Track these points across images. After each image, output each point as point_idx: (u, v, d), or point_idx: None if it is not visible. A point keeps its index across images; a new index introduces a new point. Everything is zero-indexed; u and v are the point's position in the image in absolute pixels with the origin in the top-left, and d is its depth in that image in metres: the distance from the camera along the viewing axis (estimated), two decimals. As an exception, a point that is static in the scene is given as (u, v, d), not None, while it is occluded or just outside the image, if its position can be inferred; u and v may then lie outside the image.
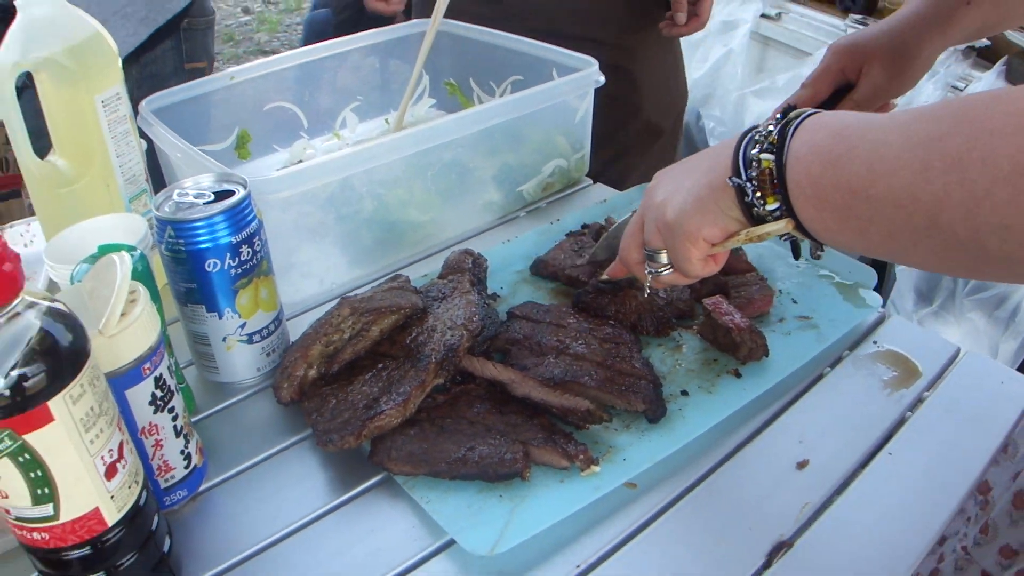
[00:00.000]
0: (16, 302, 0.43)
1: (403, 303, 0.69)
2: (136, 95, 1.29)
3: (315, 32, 4.11)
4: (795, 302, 0.76)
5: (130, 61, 1.45)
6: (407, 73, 1.09)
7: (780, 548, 0.53)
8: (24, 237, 1.00)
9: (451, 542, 0.55)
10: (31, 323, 0.43)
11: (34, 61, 0.72)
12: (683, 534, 0.55)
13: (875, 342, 0.72)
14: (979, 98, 0.41)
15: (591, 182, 1.04)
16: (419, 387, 0.62)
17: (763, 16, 2.33)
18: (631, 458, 0.59)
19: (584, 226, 0.88)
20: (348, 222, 0.84)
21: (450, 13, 1.05)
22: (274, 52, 5.64)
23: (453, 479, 0.58)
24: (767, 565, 0.52)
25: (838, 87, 0.79)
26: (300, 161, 1.08)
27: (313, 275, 0.83)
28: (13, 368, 0.42)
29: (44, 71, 0.72)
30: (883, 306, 0.75)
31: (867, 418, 0.64)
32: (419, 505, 0.57)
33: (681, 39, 1.37)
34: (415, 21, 1.17)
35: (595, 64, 0.95)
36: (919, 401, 0.65)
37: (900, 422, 0.63)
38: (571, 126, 0.97)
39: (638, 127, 1.35)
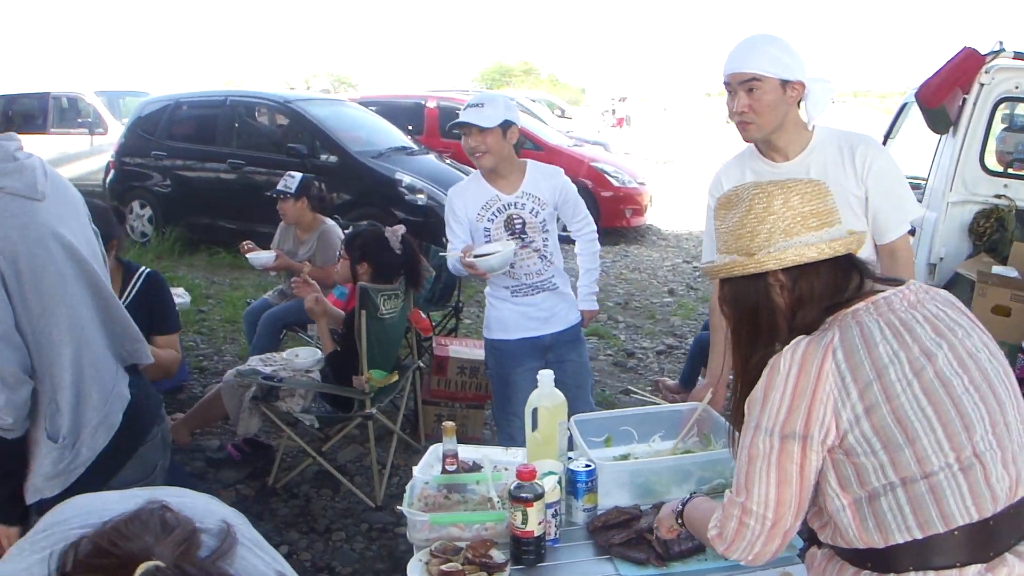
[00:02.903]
0: (534, 481, 2.24)
1: (633, 512, 2.42)
2: None
3: (700, 349, 6.01)
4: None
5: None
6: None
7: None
8: (510, 454, 2.87)
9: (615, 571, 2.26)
10: (536, 487, 2.24)
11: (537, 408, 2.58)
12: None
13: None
14: (705, 512, 2.01)
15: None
16: (634, 540, 2.34)
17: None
18: (674, 570, 2.27)
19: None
20: (633, 483, 2.60)
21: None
22: (682, 336, 7.64)
23: (624, 560, 2.29)
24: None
25: None
26: (628, 455, 2.86)
27: (611, 498, 2.58)
28: (530, 496, 2.23)
29: (540, 409, 2.58)
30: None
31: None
32: (615, 566, 2.29)
33: None
34: (696, 405, 2.92)
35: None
36: (780, 584, 2.25)
37: (771, 587, 2.24)
38: (730, 468, 2.66)
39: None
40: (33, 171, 2.31)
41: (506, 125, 3.75)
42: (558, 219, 4.08)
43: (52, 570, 1.08)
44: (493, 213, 3.86)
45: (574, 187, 4.10)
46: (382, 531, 4.40)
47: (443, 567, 2.20)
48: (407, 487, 2.54)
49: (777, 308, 1.86)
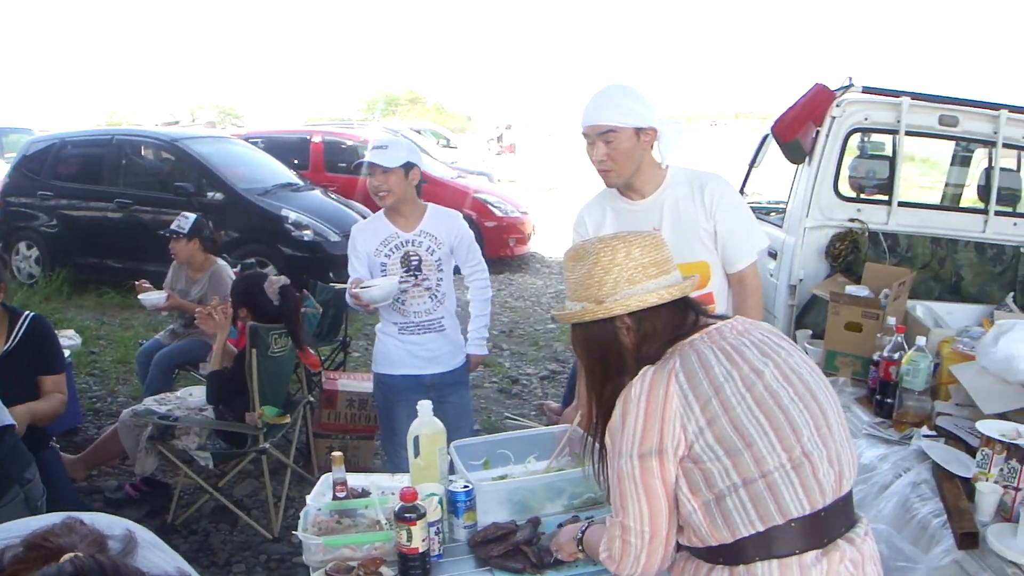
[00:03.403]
0: (416, 502, 2.46)
1: (509, 527, 2.65)
2: None
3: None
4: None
5: None
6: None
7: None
8: (396, 479, 3.07)
9: (496, 583, 2.49)
10: (419, 507, 2.45)
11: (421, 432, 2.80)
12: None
13: None
14: (600, 537, 2.23)
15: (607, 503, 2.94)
16: (511, 552, 2.57)
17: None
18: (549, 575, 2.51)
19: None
20: (513, 500, 2.82)
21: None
22: (564, 361, 7.91)
23: (503, 570, 2.51)
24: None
25: None
26: (505, 476, 3.08)
27: (490, 515, 2.80)
28: (413, 515, 2.44)
29: (420, 437, 2.80)
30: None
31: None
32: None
33: None
34: (566, 427, 3.16)
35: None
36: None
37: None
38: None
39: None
40: None
41: (408, 166, 4.00)
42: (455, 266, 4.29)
43: None
44: (391, 249, 4.06)
45: (471, 233, 4.31)
46: (280, 561, 4.56)
47: (337, 584, 2.40)
48: (301, 514, 2.72)
49: (624, 347, 2.11)
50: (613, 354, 2.11)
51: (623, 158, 3.11)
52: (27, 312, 4.03)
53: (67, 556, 1.22)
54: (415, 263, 4.07)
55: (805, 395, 2.00)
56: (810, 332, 5.10)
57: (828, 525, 1.95)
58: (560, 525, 2.66)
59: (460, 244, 4.22)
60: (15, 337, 3.91)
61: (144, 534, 1.53)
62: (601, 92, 3.15)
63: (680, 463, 1.95)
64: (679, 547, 2.08)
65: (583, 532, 2.40)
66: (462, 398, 4.36)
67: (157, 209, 10.02)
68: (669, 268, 2.14)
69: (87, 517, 1.49)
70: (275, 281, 4.87)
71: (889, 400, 3.74)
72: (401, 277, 4.05)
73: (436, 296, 4.14)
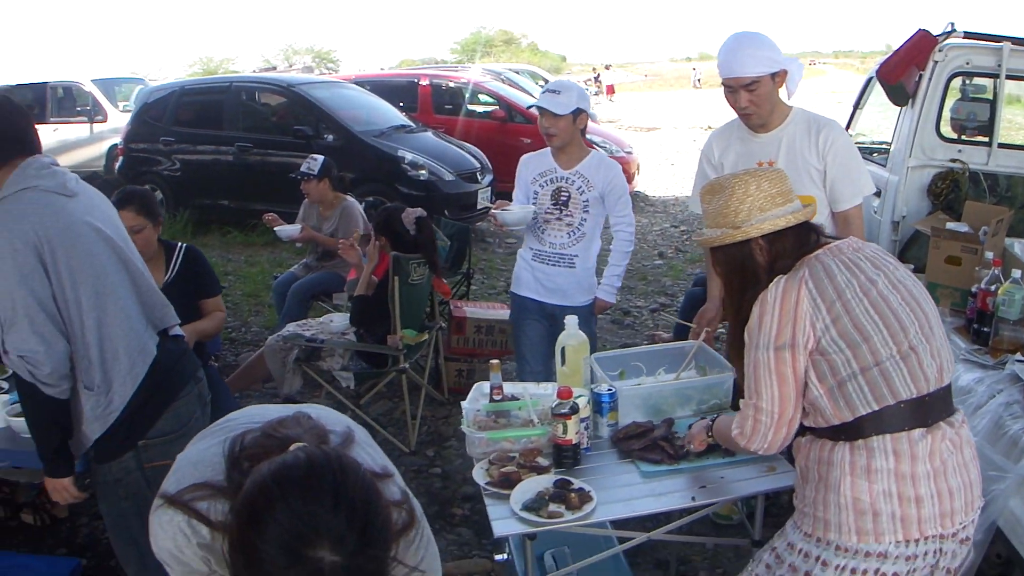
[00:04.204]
0: (571, 399, 2.89)
1: (647, 425, 3.07)
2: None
3: (691, 304, 6.62)
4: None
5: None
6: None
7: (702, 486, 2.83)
8: (542, 387, 3.50)
9: (636, 469, 2.91)
10: (573, 404, 2.89)
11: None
12: (686, 484, 2.87)
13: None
14: (729, 423, 2.67)
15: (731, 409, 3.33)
16: (650, 446, 2.99)
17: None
18: (682, 467, 2.92)
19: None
20: (648, 404, 3.23)
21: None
22: (673, 295, 8.30)
23: (643, 461, 2.94)
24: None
25: None
26: (640, 384, 3.50)
27: (629, 417, 3.22)
28: (568, 411, 2.88)
29: (567, 347, 3.22)
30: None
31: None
32: (637, 466, 2.94)
33: None
34: (693, 343, 3.56)
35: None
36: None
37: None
38: (723, 391, 3.29)
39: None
40: (64, 175, 2.83)
41: (577, 112, 4.37)
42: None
43: (226, 450, 1.69)
44: (546, 181, 4.50)
45: (627, 187, 4.61)
46: (417, 472, 5.06)
47: (502, 468, 2.85)
48: (463, 413, 3.16)
49: (758, 263, 2.49)
50: (749, 270, 2.50)
51: (763, 102, 3.51)
52: (180, 244, 4.46)
53: (296, 445, 1.58)
54: (564, 199, 4.45)
55: (911, 300, 2.40)
56: (912, 266, 5.35)
57: (931, 408, 2.34)
58: (690, 427, 3.07)
59: (611, 193, 4.48)
60: (174, 267, 4.34)
61: (359, 432, 1.88)
62: (735, 43, 3.50)
63: (810, 356, 2.35)
64: (805, 431, 2.48)
65: (713, 421, 2.84)
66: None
67: (276, 152, 10.62)
68: (792, 197, 2.52)
69: (314, 412, 1.84)
70: (411, 212, 5.31)
71: (986, 329, 4.01)
72: (547, 208, 4.46)
73: (575, 234, 4.48)
